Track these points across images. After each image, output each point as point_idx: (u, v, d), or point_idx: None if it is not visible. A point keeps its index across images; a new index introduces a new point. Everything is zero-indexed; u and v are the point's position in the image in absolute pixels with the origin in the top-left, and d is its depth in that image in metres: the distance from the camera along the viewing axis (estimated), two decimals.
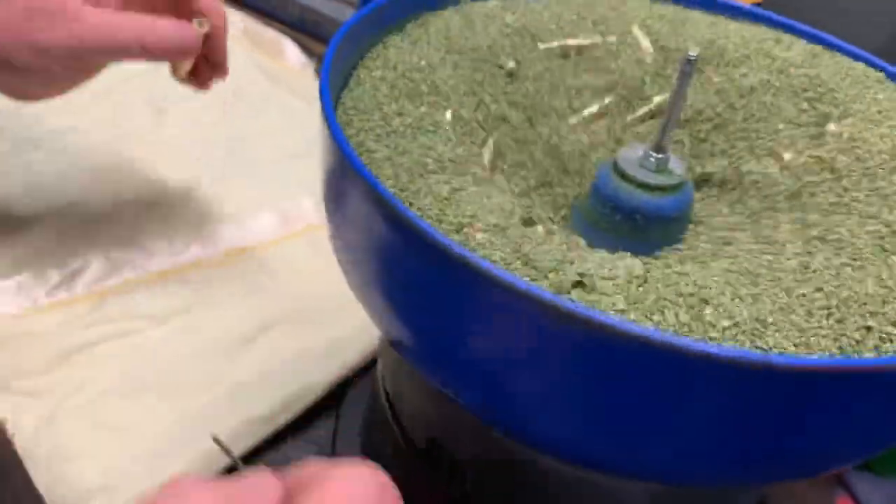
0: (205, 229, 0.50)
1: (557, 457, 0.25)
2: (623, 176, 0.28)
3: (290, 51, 0.71)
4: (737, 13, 0.38)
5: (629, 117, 0.34)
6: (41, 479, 0.35)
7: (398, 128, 0.29)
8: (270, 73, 0.67)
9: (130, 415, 0.39)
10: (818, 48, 0.35)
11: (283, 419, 0.40)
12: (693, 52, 0.26)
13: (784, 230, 0.27)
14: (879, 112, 0.31)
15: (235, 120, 0.61)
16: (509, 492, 0.29)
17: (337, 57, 0.29)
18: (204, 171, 0.55)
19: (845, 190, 0.28)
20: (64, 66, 0.39)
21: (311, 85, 0.67)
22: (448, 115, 0.30)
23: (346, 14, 0.72)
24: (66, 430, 0.37)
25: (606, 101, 0.34)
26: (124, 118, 0.59)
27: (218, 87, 0.49)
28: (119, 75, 0.63)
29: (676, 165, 0.28)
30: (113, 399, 0.39)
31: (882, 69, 0.34)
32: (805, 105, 0.32)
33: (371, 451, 0.38)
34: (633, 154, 0.29)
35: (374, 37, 0.33)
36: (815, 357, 0.21)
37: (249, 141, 0.59)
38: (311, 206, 0.54)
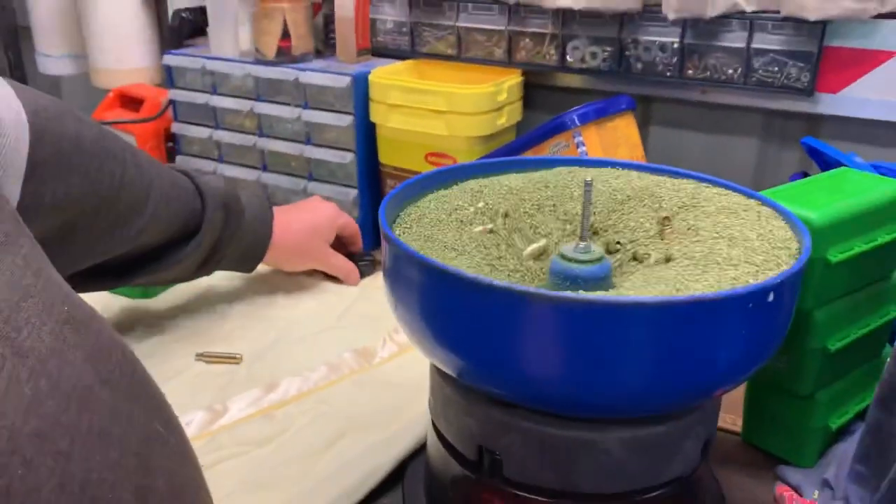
0: (279, 382, 0.67)
1: (556, 409, 0.42)
2: (564, 258, 0.47)
3: None
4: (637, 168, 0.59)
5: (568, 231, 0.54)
6: None
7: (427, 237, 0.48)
8: (297, 277, 0.88)
9: None
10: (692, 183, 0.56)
11: (360, 495, 0.54)
12: (588, 178, 0.46)
13: (665, 271, 0.46)
14: (708, 214, 0.51)
15: (275, 311, 0.80)
16: (532, 462, 0.44)
17: (388, 205, 0.49)
18: (266, 346, 0.72)
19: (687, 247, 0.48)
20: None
21: (327, 282, 0.87)
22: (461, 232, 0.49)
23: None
24: None
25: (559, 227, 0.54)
26: (195, 320, 0.77)
27: (262, 289, 0.82)
28: (185, 293, 0.83)
29: (596, 249, 0.48)
30: (239, 496, 0.54)
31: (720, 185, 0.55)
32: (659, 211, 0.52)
33: (434, 495, 0.52)
34: (570, 247, 0.48)
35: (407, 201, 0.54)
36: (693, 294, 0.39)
37: (293, 323, 0.78)
38: (350, 358, 0.71)
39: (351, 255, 0.87)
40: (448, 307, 0.42)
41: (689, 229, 0.50)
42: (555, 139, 0.73)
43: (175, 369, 0.69)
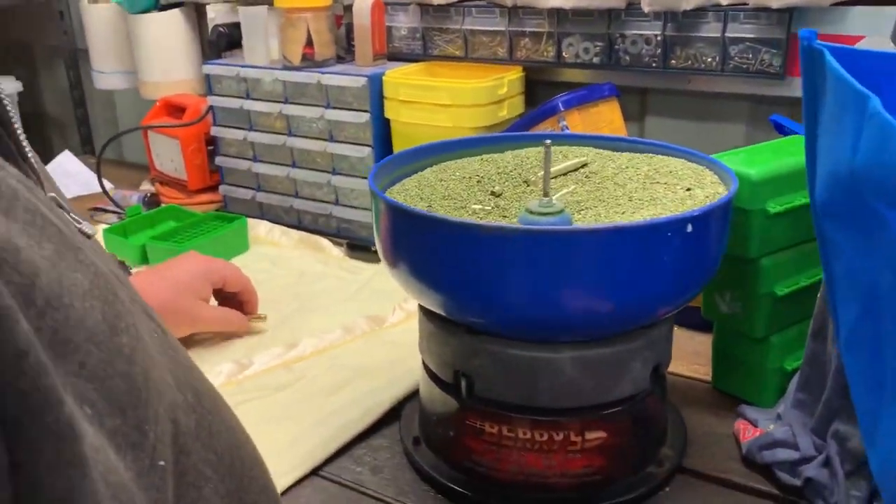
0: (299, 341, 0.75)
1: (518, 333, 0.49)
2: (530, 212, 0.55)
3: (329, 246, 1.01)
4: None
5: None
6: None
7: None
8: (320, 260, 0.97)
9: (275, 433, 0.61)
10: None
11: (362, 425, 0.63)
12: (548, 141, 0.54)
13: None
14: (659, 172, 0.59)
15: (301, 287, 0.89)
16: (498, 381, 0.52)
17: (378, 173, 0.57)
18: (290, 313, 0.82)
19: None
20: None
21: (346, 264, 0.96)
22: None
23: (368, 218, 1.02)
24: None
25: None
26: None
27: (290, 271, 0.89)
28: None
29: (557, 203, 0.55)
30: (261, 427, 0.62)
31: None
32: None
33: (424, 424, 0.60)
34: (535, 203, 0.55)
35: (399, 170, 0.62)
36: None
37: (314, 296, 0.87)
38: (363, 322, 0.79)
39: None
40: (426, 247, 0.50)
41: (628, 184, 0.58)
42: (542, 125, 0.80)
43: (208, 333, 0.79)
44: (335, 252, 0.99)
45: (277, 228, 1.05)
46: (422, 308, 0.57)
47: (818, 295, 0.55)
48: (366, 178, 1.01)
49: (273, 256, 0.98)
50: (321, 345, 0.76)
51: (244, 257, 0.98)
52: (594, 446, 0.54)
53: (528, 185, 0.63)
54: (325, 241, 1.01)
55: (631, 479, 0.56)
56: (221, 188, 1.14)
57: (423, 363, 0.59)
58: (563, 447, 0.53)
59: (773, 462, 0.56)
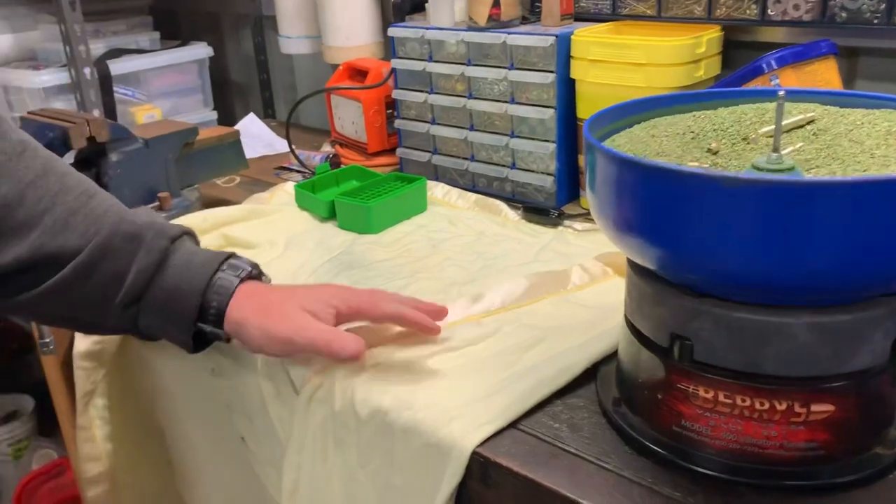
0: (480, 298, 0.75)
1: (747, 297, 0.46)
2: (757, 168, 0.51)
3: (505, 209, 1.00)
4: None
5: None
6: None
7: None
8: (497, 222, 0.97)
9: (470, 384, 0.62)
10: None
11: (558, 383, 0.62)
12: (781, 92, 0.50)
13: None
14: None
15: (481, 247, 0.89)
16: (721, 345, 0.49)
17: (593, 124, 0.56)
18: (468, 276, 0.82)
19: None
20: (279, 349, 0.62)
21: (524, 227, 0.95)
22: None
23: (545, 182, 1.01)
24: (436, 390, 0.61)
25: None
26: (415, 250, 0.89)
27: (469, 231, 0.90)
28: (404, 230, 0.95)
29: (787, 160, 0.51)
30: (457, 377, 0.63)
31: None
32: None
33: (626, 385, 0.59)
34: (763, 158, 0.52)
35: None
36: None
37: (496, 256, 0.87)
38: (547, 284, 0.78)
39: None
40: (649, 199, 0.48)
41: (865, 141, 0.53)
42: (751, 84, 0.75)
43: (397, 286, 0.80)
44: (511, 215, 0.99)
45: (454, 191, 1.06)
46: (634, 268, 0.55)
47: None
48: (546, 140, 1.00)
49: (451, 217, 0.99)
50: (508, 300, 0.75)
51: (423, 217, 1.00)
52: (819, 420, 0.50)
53: (748, 143, 0.59)
54: (501, 204, 1.01)
55: (855, 459, 0.52)
56: (399, 150, 1.17)
57: (629, 325, 0.57)
58: (785, 418, 0.50)
59: None
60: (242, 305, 0.62)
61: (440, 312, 0.68)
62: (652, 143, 0.59)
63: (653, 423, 0.55)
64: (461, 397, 0.60)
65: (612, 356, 0.65)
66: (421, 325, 0.65)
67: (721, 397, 0.51)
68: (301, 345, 0.61)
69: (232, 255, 0.65)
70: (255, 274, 0.66)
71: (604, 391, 0.61)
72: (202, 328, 0.64)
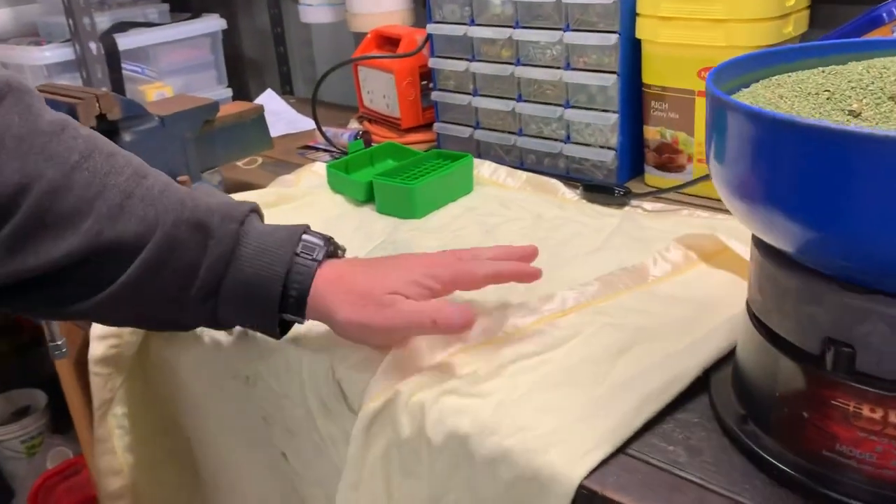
0: (555, 294, 0.65)
1: None
2: None
3: (563, 189, 0.90)
4: None
5: None
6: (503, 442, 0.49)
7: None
8: (554, 203, 0.87)
9: (558, 400, 0.52)
10: None
11: (667, 397, 0.52)
12: None
13: None
14: None
15: (541, 232, 0.79)
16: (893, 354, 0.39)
17: (717, 78, 0.45)
18: (538, 263, 0.71)
19: None
20: (380, 340, 0.58)
21: (586, 208, 0.85)
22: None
23: (606, 157, 0.91)
24: (522, 409, 0.51)
25: None
26: (466, 236, 0.79)
27: (524, 214, 0.81)
28: (451, 214, 0.85)
29: None
30: (544, 397, 0.53)
31: None
32: None
33: (753, 399, 0.49)
34: None
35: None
36: None
37: (560, 244, 0.76)
38: (623, 275, 0.68)
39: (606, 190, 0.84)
40: (813, 171, 0.38)
41: None
42: (868, 36, 0.65)
43: None
44: (570, 195, 0.89)
45: (503, 169, 0.95)
46: (772, 257, 0.45)
47: None
48: (607, 110, 0.90)
49: (502, 198, 0.89)
50: (582, 299, 0.65)
51: (469, 198, 0.90)
52: None
53: None
54: (558, 183, 0.90)
55: None
56: (436, 126, 1.06)
57: (758, 325, 0.47)
58: None
59: None
60: (325, 293, 0.57)
61: (532, 254, 0.64)
62: (782, 104, 0.48)
63: (795, 446, 0.46)
64: (555, 419, 0.50)
65: (721, 361, 0.55)
66: (521, 274, 0.62)
67: (892, 417, 0.41)
68: (403, 332, 0.57)
69: (306, 230, 0.59)
70: (332, 251, 0.60)
71: (722, 405, 0.51)
72: (283, 317, 0.58)
